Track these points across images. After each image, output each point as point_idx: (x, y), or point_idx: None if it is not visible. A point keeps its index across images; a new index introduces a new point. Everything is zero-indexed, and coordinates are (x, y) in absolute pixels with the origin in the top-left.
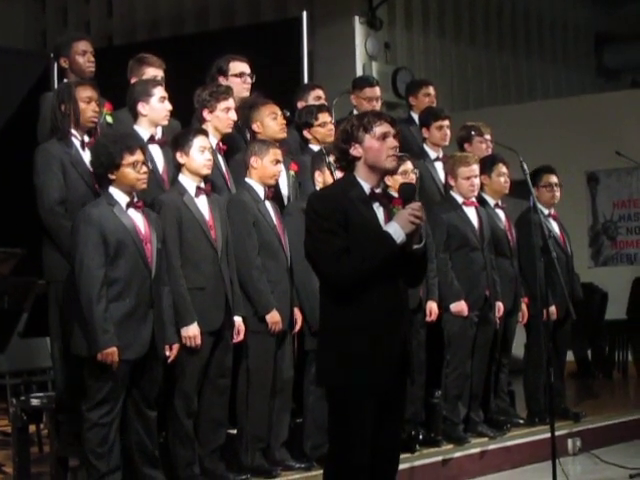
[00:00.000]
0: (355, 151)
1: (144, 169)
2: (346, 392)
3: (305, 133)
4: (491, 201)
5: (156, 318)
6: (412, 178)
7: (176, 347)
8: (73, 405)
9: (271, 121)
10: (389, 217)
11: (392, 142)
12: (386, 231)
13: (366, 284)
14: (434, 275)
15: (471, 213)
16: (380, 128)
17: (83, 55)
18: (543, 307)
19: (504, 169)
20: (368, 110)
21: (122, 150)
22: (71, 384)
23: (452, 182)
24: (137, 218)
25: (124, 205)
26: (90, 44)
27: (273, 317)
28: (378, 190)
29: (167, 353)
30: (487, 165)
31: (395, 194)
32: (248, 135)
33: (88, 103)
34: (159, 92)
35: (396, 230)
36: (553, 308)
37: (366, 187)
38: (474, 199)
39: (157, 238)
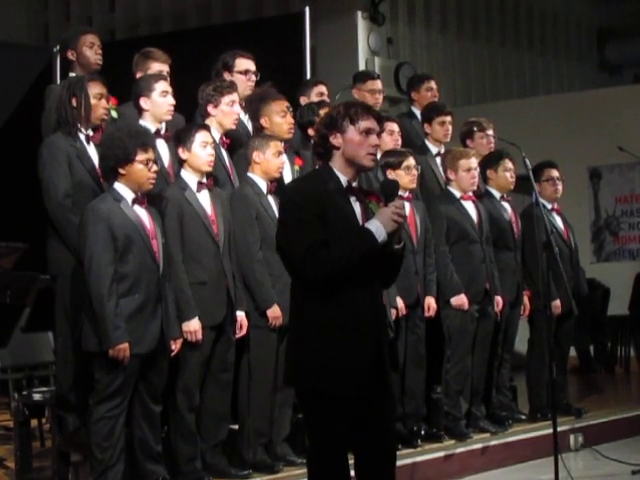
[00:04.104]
0: (335, 140)
1: (154, 168)
2: (315, 396)
3: (309, 131)
4: (496, 194)
5: (164, 312)
6: (414, 174)
7: (180, 342)
8: (76, 399)
9: (280, 119)
10: (366, 212)
11: (374, 139)
12: (367, 228)
13: (341, 282)
14: (432, 271)
15: (469, 207)
16: (366, 123)
17: (91, 47)
18: (546, 302)
19: (510, 164)
20: (357, 101)
21: (137, 146)
22: (76, 378)
23: (452, 176)
24: (142, 214)
25: (130, 201)
26: (98, 38)
27: (274, 312)
28: (354, 184)
29: (172, 347)
30: (493, 160)
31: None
32: (250, 127)
33: (99, 100)
34: (161, 86)
35: (378, 228)
36: (557, 302)
37: (343, 180)
38: (471, 193)
39: (161, 234)
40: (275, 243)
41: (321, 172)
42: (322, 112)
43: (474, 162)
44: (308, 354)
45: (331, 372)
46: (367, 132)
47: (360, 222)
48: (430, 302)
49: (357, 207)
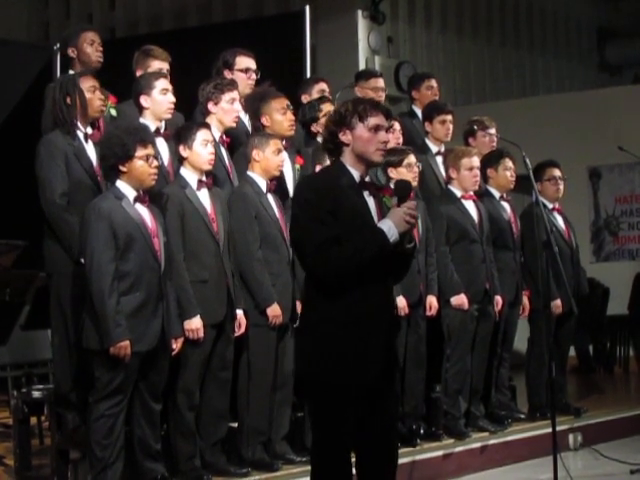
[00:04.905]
0: (344, 137)
1: (155, 163)
2: (323, 391)
3: (313, 128)
4: (496, 194)
5: (165, 311)
6: (416, 171)
7: (181, 340)
8: (75, 397)
9: (280, 116)
10: (380, 206)
11: (383, 136)
12: (380, 228)
13: (353, 279)
14: (434, 270)
15: (470, 206)
16: (374, 119)
17: (91, 45)
18: (545, 301)
19: (510, 164)
20: (367, 98)
21: (136, 142)
22: (73, 376)
23: (454, 175)
24: (144, 212)
25: (131, 199)
26: (98, 35)
27: (274, 310)
28: (367, 179)
29: (173, 346)
30: (493, 159)
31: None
32: (249, 127)
33: (93, 92)
34: (161, 84)
35: (390, 228)
36: (558, 302)
37: (355, 175)
38: (472, 193)
39: (163, 232)
40: (274, 241)
41: (333, 168)
42: (323, 107)
43: (476, 161)
44: (318, 348)
45: (341, 365)
46: (376, 129)
47: (374, 216)
48: (432, 301)
49: (371, 201)
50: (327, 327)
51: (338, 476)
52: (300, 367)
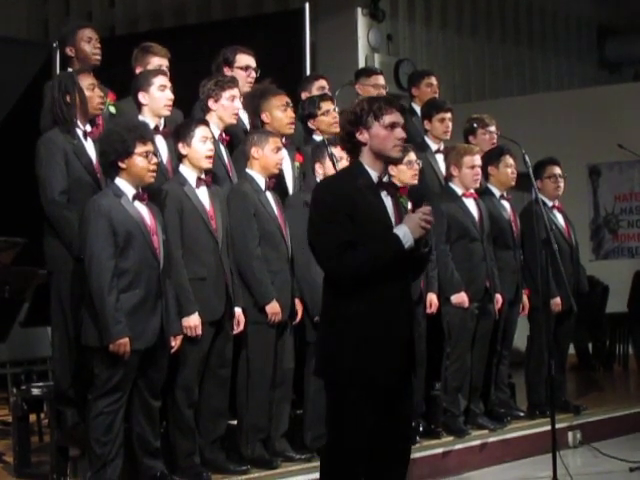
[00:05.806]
0: (361, 136)
1: (154, 160)
2: (343, 387)
3: (310, 124)
4: (496, 192)
5: (164, 309)
6: (416, 168)
7: (180, 338)
8: (75, 394)
9: (280, 113)
10: (397, 206)
11: (400, 132)
12: (395, 234)
13: (369, 281)
14: (434, 267)
15: (471, 204)
16: (390, 117)
17: (89, 42)
18: (545, 299)
19: (511, 161)
20: (381, 95)
21: (135, 139)
22: (73, 373)
23: (455, 172)
24: (143, 210)
25: (130, 197)
26: (95, 32)
27: (273, 308)
28: (385, 178)
29: (172, 343)
30: (494, 156)
31: (398, 184)
32: (248, 125)
33: (92, 90)
34: (159, 81)
35: (405, 234)
36: (557, 300)
37: (373, 175)
38: (473, 190)
39: (162, 230)
40: (273, 239)
41: (352, 168)
42: (323, 105)
43: (478, 159)
44: (337, 347)
45: (362, 363)
46: (392, 126)
47: (392, 216)
48: (432, 298)
49: (388, 202)
50: (346, 325)
51: (350, 475)
52: (322, 365)
